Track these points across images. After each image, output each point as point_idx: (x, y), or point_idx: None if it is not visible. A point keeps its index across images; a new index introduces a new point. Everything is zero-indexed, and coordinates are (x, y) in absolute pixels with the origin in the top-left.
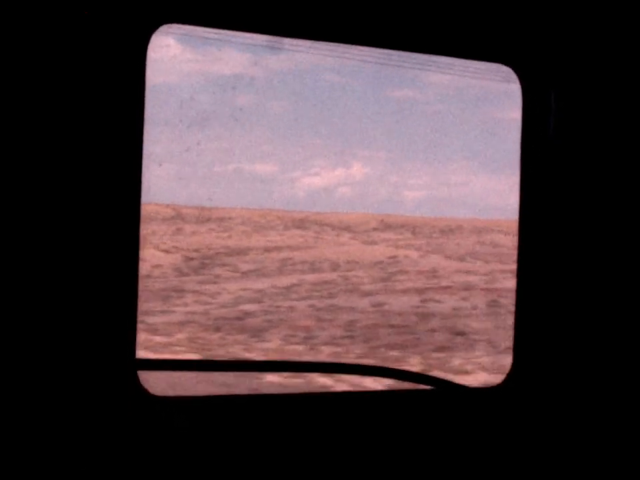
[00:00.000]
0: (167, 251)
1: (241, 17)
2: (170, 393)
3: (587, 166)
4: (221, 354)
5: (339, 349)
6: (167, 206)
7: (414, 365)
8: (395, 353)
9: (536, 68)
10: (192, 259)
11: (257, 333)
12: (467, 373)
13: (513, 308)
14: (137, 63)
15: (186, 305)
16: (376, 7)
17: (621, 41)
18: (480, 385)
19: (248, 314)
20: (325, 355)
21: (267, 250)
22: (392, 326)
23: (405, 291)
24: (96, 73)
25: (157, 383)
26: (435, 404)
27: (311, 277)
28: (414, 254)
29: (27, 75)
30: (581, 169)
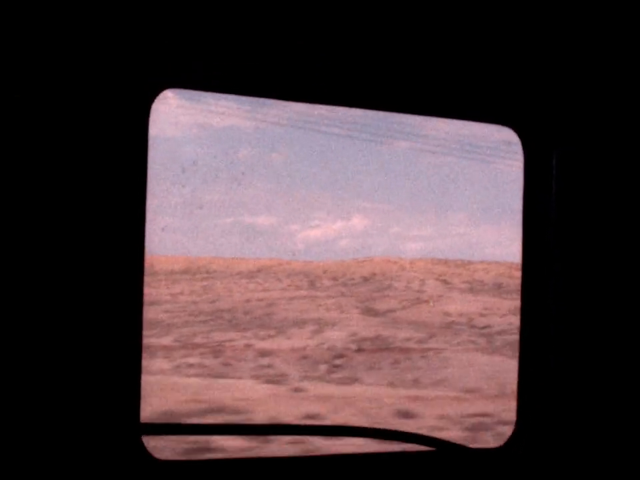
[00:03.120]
0: None
1: (243, 82)
2: None
3: (589, 226)
4: None
5: None
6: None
7: None
8: None
9: (537, 130)
10: None
11: None
12: None
13: None
14: (140, 126)
15: None
16: (376, 70)
17: (623, 102)
18: (482, 446)
19: None
20: None
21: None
22: None
23: None
24: (100, 137)
25: None
26: (436, 465)
27: None
28: None
29: (30, 134)
30: (584, 229)
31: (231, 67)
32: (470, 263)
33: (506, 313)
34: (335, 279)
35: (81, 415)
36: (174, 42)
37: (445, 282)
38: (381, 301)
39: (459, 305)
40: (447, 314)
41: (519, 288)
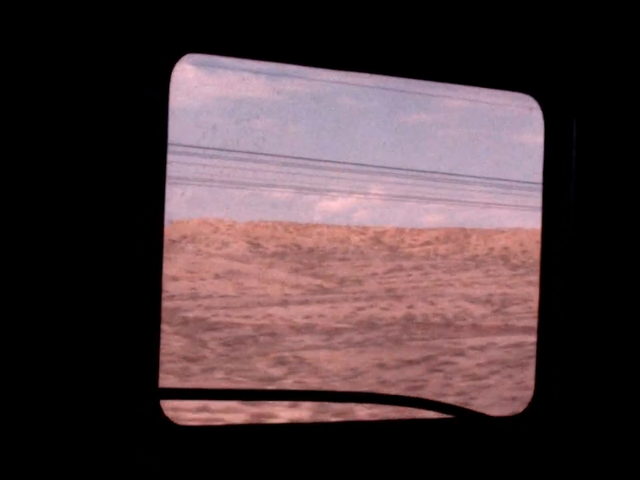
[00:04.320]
0: None
1: (262, 47)
2: None
3: (610, 195)
4: None
5: None
6: None
7: None
8: None
9: (557, 97)
10: None
11: None
12: None
13: None
14: (161, 91)
15: None
16: (397, 36)
17: None
18: (502, 414)
19: None
20: None
21: None
22: None
23: None
24: (120, 101)
25: None
26: (455, 433)
27: None
28: None
29: (50, 103)
30: (604, 198)
31: (250, 31)
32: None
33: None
34: None
35: (101, 379)
36: (194, 6)
37: (257, 246)
38: None
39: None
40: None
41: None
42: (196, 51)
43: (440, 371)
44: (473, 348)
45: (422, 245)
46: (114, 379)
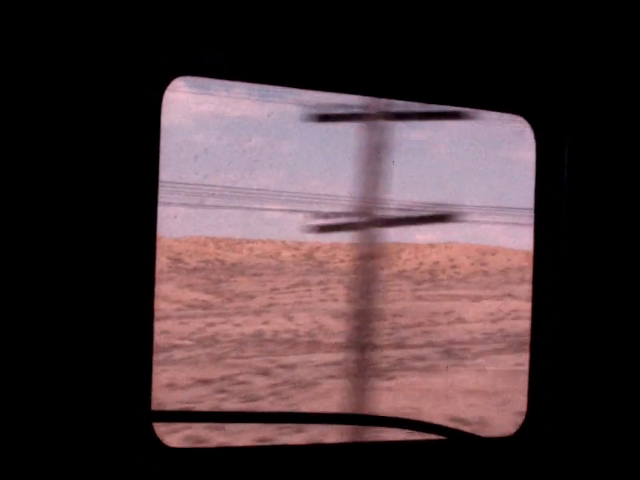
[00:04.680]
0: None
1: (252, 70)
2: None
3: (601, 216)
4: None
5: None
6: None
7: None
8: None
9: (549, 119)
10: None
11: None
12: None
13: None
14: (152, 114)
15: None
16: (388, 58)
17: (635, 92)
18: (493, 435)
19: None
20: None
21: None
22: None
23: None
24: (113, 126)
25: None
26: (447, 454)
27: None
28: None
29: (44, 127)
30: (595, 219)
31: (240, 54)
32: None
33: None
34: None
35: (94, 402)
36: (184, 30)
37: (178, 261)
38: None
39: None
40: None
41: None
42: (187, 74)
43: (225, 391)
44: (283, 366)
45: (352, 260)
46: (107, 401)
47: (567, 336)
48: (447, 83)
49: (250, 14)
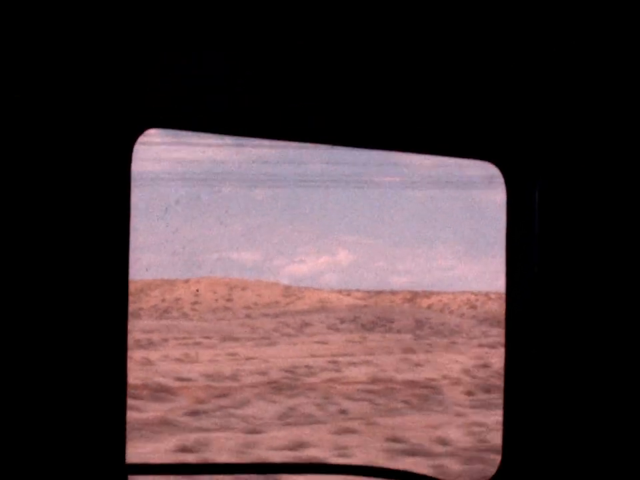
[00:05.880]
0: None
1: (225, 122)
2: None
3: (573, 259)
4: None
5: None
6: None
7: None
8: None
9: (518, 164)
10: None
11: None
12: None
13: None
14: (122, 165)
15: None
16: (355, 108)
17: (605, 135)
18: None
19: None
20: None
21: None
22: None
23: None
24: (83, 176)
25: None
26: None
27: None
28: None
29: (16, 173)
30: (567, 262)
31: (213, 108)
32: None
33: None
34: None
35: (68, 455)
36: (156, 82)
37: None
38: None
39: None
40: None
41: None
42: (157, 127)
43: None
44: None
45: None
46: (81, 454)
47: (541, 380)
48: (416, 131)
49: (223, 67)
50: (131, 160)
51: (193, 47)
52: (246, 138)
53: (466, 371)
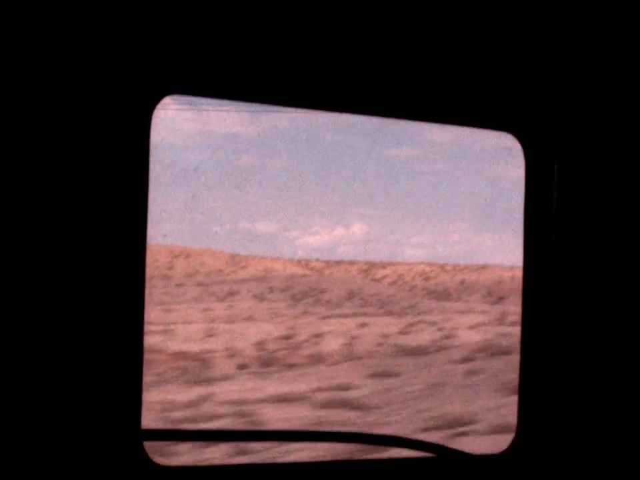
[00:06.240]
0: None
1: (243, 88)
2: None
3: (591, 235)
4: None
5: None
6: None
7: None
8: None
9: (539, 138)
10: None
11: None
12: None
13: None
14: (142, 132)
15: None
16: (377, 76)
17: (626, 113)
18: (483, 452)
19: None
20: None
21: None
22: None
23: None
24: (102, 144)
25: None
26: (436, 471)
27: None
28: None
29: (31, 141)
30: (585, 238)
31: (231, 73)
32: None
33: None
34: None
35: (83, 421)
36: (175, 48)
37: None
38: None
39: None
40: None
41: None
42: (176, 93)
43: None
44: None
45: None
46: (96, 421)
47: (557, 352)
48: (438, 101)
49: (240, 32)
50: (149, 126)
51: (209, 11)
52: (263, 104)
53: (260, 343)
